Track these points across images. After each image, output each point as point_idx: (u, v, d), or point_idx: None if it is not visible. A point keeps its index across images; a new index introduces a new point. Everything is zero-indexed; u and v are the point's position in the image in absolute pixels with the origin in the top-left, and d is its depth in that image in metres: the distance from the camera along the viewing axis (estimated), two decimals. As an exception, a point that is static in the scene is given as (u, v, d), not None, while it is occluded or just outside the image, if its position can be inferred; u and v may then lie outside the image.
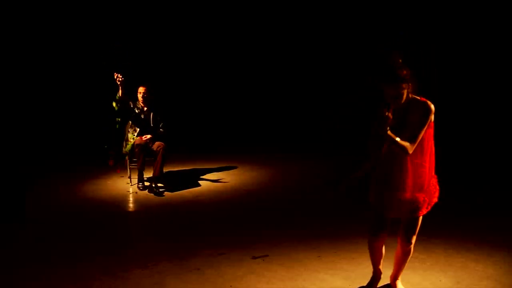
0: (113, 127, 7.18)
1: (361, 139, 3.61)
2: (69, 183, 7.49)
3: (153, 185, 6.89)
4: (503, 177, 7.11)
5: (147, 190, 6.94)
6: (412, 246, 3.55)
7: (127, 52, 10.81)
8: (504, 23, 10.34)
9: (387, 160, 3.38)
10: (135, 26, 11.81)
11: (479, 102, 10.45)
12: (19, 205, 6.40)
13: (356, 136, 6.51)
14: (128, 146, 7.03)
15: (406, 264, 3.71)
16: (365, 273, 3.92)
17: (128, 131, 7.11)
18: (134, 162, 7.12)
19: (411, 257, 3.65)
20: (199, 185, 7.25)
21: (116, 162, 7.29)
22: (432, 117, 3.27)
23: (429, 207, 3.45)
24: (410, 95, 3.28)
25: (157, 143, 7.02)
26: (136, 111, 7.04)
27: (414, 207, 3.40)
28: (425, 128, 3.25)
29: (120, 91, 6.73)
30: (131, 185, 7.17)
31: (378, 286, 3.83)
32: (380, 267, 3.76)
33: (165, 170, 7.69)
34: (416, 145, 3.25)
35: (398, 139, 3.18)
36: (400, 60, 3.19)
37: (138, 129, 7.04)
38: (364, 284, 3.80)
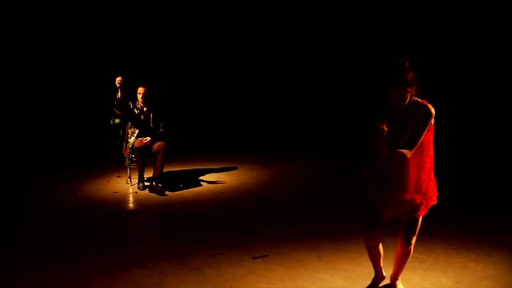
0: (113, 130, 7.17)
1: (361, 139, 3.60)
2: (69, 183, 7.49)
3: (154, 184, 6.91)
4: (503, 177, 7.11)
5: (147, 190, 6.95)
6: (412, 247, 3.55)
7: (127, 52, 10.81)
8: (504, 23, 10.34)
9: (388, 160, 3.38)
10: (135, 26, 11.81)
11: (479, 102, 10.45)
12: (19, 205, 6.40)
13: (356, 136, 6.51)
14: (129, 145, 7.05)
15: (406, 264, 3.71)
16: (365, 273, 3.93)
17: (128, 132, 7.11)
18: (134, 162, 7.12)
19: (411, 257, 3.65)
20: (199, 185, 7.25)
21: (116, 163, 7.26)
22: (432, 120, 3.27)
23: (426, 210, 3.45)
24: (412, 97, 3.28)
25: (157, 143, 7.02)
26: (136, 111, 7.03)
27: (412, 208, 3.41)
28: (425, 132, 3.25)
29: (119, 93, 6.74)
30: (131, 185, 7.17)
31: (378, 286, 3.83)
32: (381, 268, 3.76)
33: (165, 170, 7.68)
34: (415, 148, 3.25)
35: (398, 152, 3.20)
36: (407, 63, 3.18)
37: (137, 131, 7.04)
38: (364, 284, 3.80)
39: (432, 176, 3.47)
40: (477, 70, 10.57)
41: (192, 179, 7.55)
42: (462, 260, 4.28)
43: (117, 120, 6.99)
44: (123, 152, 7.16)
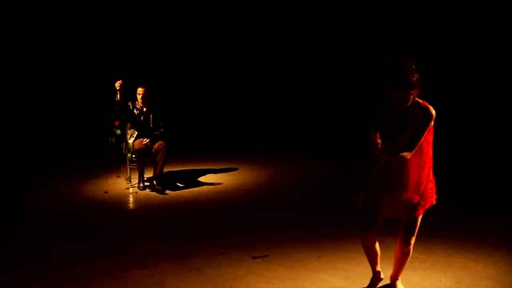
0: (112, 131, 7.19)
1: (361, 139, 3.61)
2: (69, 183, 7.49)
3: (155, 183, 6.92)
4: (503, 177, 7.11)
5: (147, 190, 6.96)
6: (411, 247, 3.55)
7: (127, 52, 10.82)
8: (504, 23, 10.34)
9: (387, 160, 3.38)
10: (135, 26, 11.80)
11: (479, 102, 10.45)
12: (19, 205, 6.40)
13: (356, 136, 6.51)
14: (129, 146, 7.05)
15: (406, 264, 3.71)
16: (365, 273, 3.92)
17: (127, 133, 7.11)
18: (134, 162, 7.13)
19: (411, 257, 3.66)
20: (199, 185, 7.25)
21: (116, 162, 7.26)
22: (432, 122, 3.28)
23: (423, 210, 3.46)
24: (414, 98, 3.28)
25: (157, 142, 7.04)
26: (135, 112, 7.03)
27: (410, 208, 3.42)
28: (424, 134, 3.26)
29: (118, 95, 6.75)
30: (131, 185, 7.17)
31: (378, 286, 3.83)
32: (378, 268, 3.76)
33: (165, 170, 7.69)
34: (415, 149, 3.25)
35: (398, 155, 3.20)
36: (414, 66, 3.18)
37: (136, 133, 7.05)
38: (364, 284, 3.80)
39: (431, 177, 3.47)
40: (477, 70, 10.58)
41: (192, 179, 7.55)
42: (462, 260, 4.28)
43: (118, 131, 7.09)
44: (123, 153, 7.18)
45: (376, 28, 11.37)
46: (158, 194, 6.78)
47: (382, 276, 3.77)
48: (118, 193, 6.94)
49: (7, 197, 6.76)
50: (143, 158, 6.98)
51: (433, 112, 3.25)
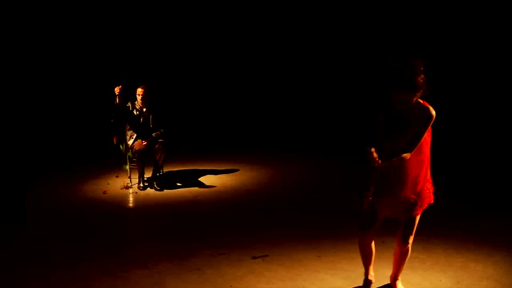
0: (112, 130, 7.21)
1: (361, 139, 3.61)
2: (69, 183, 7.49)
3: (154, 183, 6.93)
4: (503, 177, 7.11)
5: (148, 189, 6.98)
6: (409, 246, 3.56)
7: (127, 52, 10.81)
8: (504, 23, 10.35)
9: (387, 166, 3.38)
10: (135, 26, 11.80)
11: (478, 102, 10.45)
12: (19, 205, 6.40)
13: (356, 136, 6.51)
14: (128, 147, 7.08)
15: (406, 264, 3.71)
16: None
17: (127, 134, 7.12)
18: (134, 162, 7.14)
19: (411, 257, 3.66)
20: (199, 185, 7.25)
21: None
22: (432, 122, 3.28)
23: (421, 209, 3.46)
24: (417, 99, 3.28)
25: (158, 141, 7.06)
26: (135, 112, 7.04)
27: (407, 208, 3.42)
28: (424, 134, 3.26)
29: (117, 99, 6.76)
30: (131, 185, 7.17)
31: (378, 286, 3.84)
32: (371, 268, 3.76)
33: (165, 170, 7.70)
34: (414, 150, 3.26)
35: (394, 159, 3.21)
36: (422, 68, 3.17)
37: (135, 135, 7.05)
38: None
39: (429, 177, 3.48)
40: (476, 70, 10.58)
41: (192, 179, 7.54)
42: (462, 260, 4.29)
43: (121, 147, 7.18)
44: (123, 153, 7.20)
45: (376, 28, 11.38)
46: (158, 195, 6.78)
47: (373, 277, 3.77)
48: (118, 193, 6.94)
49: (7, 197, 6.76)
50: (143, 158, 6.99)
51: (434, 112, 3.25)
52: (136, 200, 6.63)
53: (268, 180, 7.52)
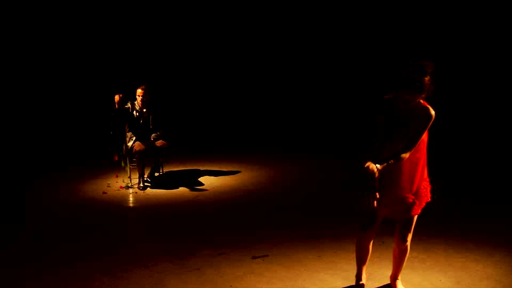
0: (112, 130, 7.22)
1: (360, 141, 3.62)
2: (69, 183, 7.49)
3: (148, 179, 7.06)
4: (503, 177, 7.11)
5: (148, 189, 7.00)
6: (408, 244, 3.57)
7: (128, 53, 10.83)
8: (504, 23, 10.35)
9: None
10: (135, 26, 11.81)
11: (478, 102, 10.46)
12: (19, 205, 6.40)
13: (355, 136, 6.51)
14: (128, 151, 7.14)
15: (406, 264, 3.71)
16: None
17: (127, 136, 7.13)
18: (134, 162, 7.14)
19: (411, 257, 3.66)
20: (199, 185, 7.25)
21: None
22: (431, 123, 3.29)
23: (420, 209, 3.47)
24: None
25: (160, 141, 7.07)
26: (135, 114, 7.04)
27: (405, 208, 3.43)
28: (423, 134, 3.27)
29: (116, 104, 6.79)
30: (131, 185, 7.17)
31: (378, 286, 3.84)
32: (364, 272, 3.76)
33: (165, 170, 7.71)
34: (412, 149, 3.26)
35: (390, 161, 3.21)
36: (430, 70, 3.17)
37: (134, 137, 7.06)
38: (365, 285, 3.80)
39: (425, 176, 3.49)
40: (476, 70, 10.58)
41: (192, 179, 7.54)
42: (462, 260, 4.29)
43: (123, 164, 7.22)
44: (123, 153, 7.21)
45: (377, 28, 11.39)
46: (158, 195, 6.78)
47: (365, 279, 3.77)
48: (118, 193, 6.94)
49: (7, 197, 6.76)
50: (143, 159, 7.00)
51: (433, 112, 3.26)
52: (136, 200, 6.63)
53: (268, 180, 7.52)
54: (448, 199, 6.01)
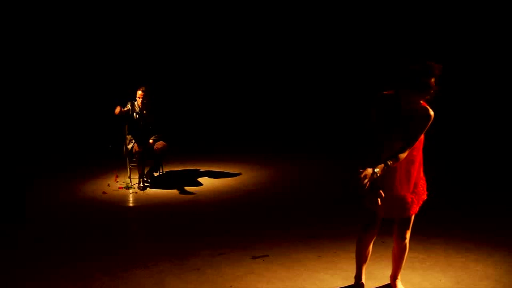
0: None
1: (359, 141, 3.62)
2: (69, 183, 7.49)
3: (145, 178, 7.07)
4: (503, 177, 7.11)
5: (148, 189, 7.00)
6: (407, 241, 3.58)
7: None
8: (504, 23, 10.35)
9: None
10: (135, 26, 11.81)
11: (478, 102, 10.46)
12: (19, 205, 6.40)
13: (355, 136, 6.51)
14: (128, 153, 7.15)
15: (406, 264, 3.71)
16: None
17: (126, 138, 7.13)
18: (134, 162, 7.15)
19: (411, 257, 3.66)
20: (199, 185, 7.25)
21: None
22: (430, 123, 3.30)
23: (417, 208, 3.48)
24: None
25: (160, 143, 7.08)
26: (135, 116, 7.04)
27: (404, 207, 3.44)
28: (422, 134, 3.28)
29: (116, 111, 6.83)
30: (131, 185, 7.17)
31: (378, 286, 3.84)
32: (364, 273, 3.76)
33: (165, 170, 7.71)
34: (410, 149, 3.28)
35: (389, 162, 3.21)
36: (438, 72, 3.17)
37: (134, 140, 7.06)
38: (365, 285, 3.80)
39: (422, 174, 3.50)
40: (475, 70, 10.58)
41: (192, 179, 7.55)
42: (462, 260, 4.29)
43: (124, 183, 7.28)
44: (123, 154, 7.22)
45: (376, 28, 11.38)
46: (158, 194, 6.78)
47: (364, 280, 3.78)
48: (118, 193, 6.94)
49: (7, 197, 6.77)
50: (144, 159, 7.01)
51: (432, 113, 3.27)
52: (136, 200, 6.63)
53: (268, 180, 7.52)
54: (448, 199, 6.01)
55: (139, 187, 7.04)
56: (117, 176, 7.60)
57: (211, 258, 4.50)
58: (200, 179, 7.54)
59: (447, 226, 5.10)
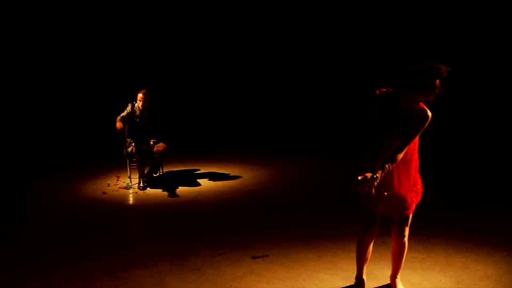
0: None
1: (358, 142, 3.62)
2: (69, 183, 7.49)
3: (145, 178, 7.07)
4: (503, 177, 7.11)
5: (148, 189, 7.01)
6: (406, 239, 3.58)
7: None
8: (503, 23, 10.35)
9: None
10: (135, 27, 11.81)
11: (478, 102, 10.45)
12: (19, 205, 6.40)
13: (354, 137, 6.51)
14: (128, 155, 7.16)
15: (406, 264, 3.70)
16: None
17: (127, 141, 7.13)
18: (134, 162, 7.15)
19: (411, 257, 3.66)
20: (199, 185, 7.25)
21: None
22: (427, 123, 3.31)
23: (414, 205, 3.51)
24: None
25: (161, 144, 7.08)
26: (136, 119, 7.04)
27: (403, 206, 3.45)
28: (418, 135, 3.29)
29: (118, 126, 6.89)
30: (131, 185, 7.17)
31: (378, 286, 3.84)
32: (365, 269, 3.76)
33: (165, 170, 7.71)
34: (406, 149, 3.29)
35: (387, 165, 3.22)
36: (444, 75, 3.17)
37: (133, 143, 7.07)
38: (365, 285, 3.80)
39: (418, 172, 3.51)
40: (474, 70, 10.58)
41: (192, 179, 7.55)
42: (462, 260, 4.29)
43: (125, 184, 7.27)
44: (124, 154, 7.23)
45: (376, 28, 11.38)
46: (158, 194, 6.78)
47: (365, 278, 3.79)
48: (118, 193, 6.94)
49: (7, 197, 6.76)
50: (144, 160, 7.01)
51: (430, 114, 3.29)
52: (136, 200, 6.63)
53: (268, 180, 7.52)
54: (448, 199, 6.01)
55: (139, 187, 7.04)
56: (118, 177, 7.60)
57: (211, 258, 4.50)
58: (200, 179, 7.54)
59: (447, 226, 5.10)
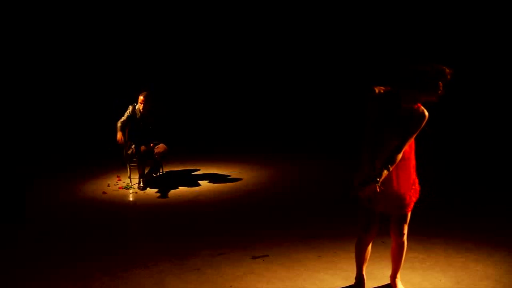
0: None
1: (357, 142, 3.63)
2: (69, 183, 7.49)
3: (144, 178, 7.07)
4: (503, 177, 7.11)
5: (148, 189, 7.00)
6: (405, 238, 3.59)
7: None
8: (503, 23, 10.35)
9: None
10: (135, 27, 11.81)
11: (478, 102, 10.45)
12: (19, 205, 6.40)
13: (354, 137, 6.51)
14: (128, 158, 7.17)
15: (406, 264, 3.70)
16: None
17: (127, 143, 7.14)
18: (134, 162, 7.15)
19: (411, 257, 3.66)
20: (199, 185, 7.25)
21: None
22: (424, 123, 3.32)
23: (412, 204, 3.52)
24: None
25: (161, 146, 7.08)
26: (136, 121, 7.05)
27: (402, 204, 3.47)
28: (415, 135, 3.30)
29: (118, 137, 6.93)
30: (131, 185, 7.17)
31: (378, 286, 3.84)
32: (365, 269, 3.77)
33: (165, 170, 7.71)
34: (404, 148, 3.30)
35: (388, 167, 3.24)
36: (448, 76, 3.18)
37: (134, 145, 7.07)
38: (365, 285, 3.80)
39: (415, 171, 3.52)
40: (473, 69, 10.58)
41: (192, 179, 7.55)
42: (462, 260, 4.29)
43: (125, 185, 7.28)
44: (124, 155, 7.23)
45: (377, 28, 11.38)
46: (158, 194, 6.79)
47: (365, 276, 3.79)
48: (118, 193, 6.95)
49: (7, 197, 6.76)
50: (144, 160, 7.01)
51: (427, 113, 3.31)
52: (136, 200, 6.63)
53: (268, 180, 7.52)
54: (448, 199, 6.01)
55: (139, 187, 7.04)
56: (119, 177, 7.60)
57: (211, 258, 4.50)
58: (200, 179, 7.54)
59: (447, 226, 5.10)
